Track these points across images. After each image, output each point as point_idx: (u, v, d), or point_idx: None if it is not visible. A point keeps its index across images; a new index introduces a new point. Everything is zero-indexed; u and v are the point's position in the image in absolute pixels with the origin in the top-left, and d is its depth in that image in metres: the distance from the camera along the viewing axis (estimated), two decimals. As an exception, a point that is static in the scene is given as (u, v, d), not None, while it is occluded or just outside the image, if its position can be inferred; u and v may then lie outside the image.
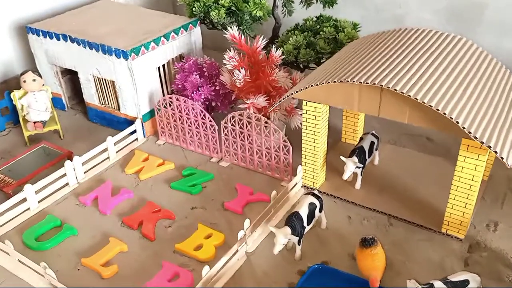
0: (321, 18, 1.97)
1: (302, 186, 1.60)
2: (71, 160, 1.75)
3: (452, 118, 1.18)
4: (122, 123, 1.94)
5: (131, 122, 1.90)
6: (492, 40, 1.98)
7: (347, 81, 1.28)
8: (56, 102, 2.10)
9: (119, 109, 1.92)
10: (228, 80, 1.73)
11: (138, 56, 1.76)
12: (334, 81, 1.30)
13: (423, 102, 1.20)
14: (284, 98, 1.44)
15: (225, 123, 1.68)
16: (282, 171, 1.63)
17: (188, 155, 1.82)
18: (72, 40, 1.86)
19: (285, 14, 2.03)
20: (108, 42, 1.79)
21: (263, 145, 1.63)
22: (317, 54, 1.78)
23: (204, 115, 1.72)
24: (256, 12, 1.84)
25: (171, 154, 1.82)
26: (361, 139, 1.60)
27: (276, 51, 1.64)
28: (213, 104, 1.86)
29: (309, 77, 1.50)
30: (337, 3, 1.88)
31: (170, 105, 1.79)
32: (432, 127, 1.24)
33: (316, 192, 1.40)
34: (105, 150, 1.76)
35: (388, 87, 1.23)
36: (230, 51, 1.72)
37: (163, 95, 1.95)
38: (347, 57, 1.48)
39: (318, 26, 1.91)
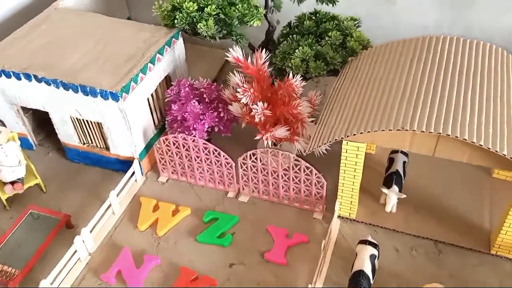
0: (318, 16, 1.78)
1: (338, 217, 1.51)
2: (71, 226, 1.53)
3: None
4: (113, 163, 1.69)
5: (124, 162, 1.66)
6: (489, 18, 1.91)
7: (406, 129, 1.16)
8: (21, 142, 1.77)
9: (108, 149, 1.66)
10: (239, 109, 1.54)
11: (129, 94, 1.50)
12: (390, 129, 1.17)
13: (488, 148, 1.12)
14: (330, 142, 1.29)
15: (244, 159, 1.51)
16: (312, 202, 1.53)
17: (199, 192, 1.65)
18: (39, 80, 1.54)
19: (273, 10, 1.81)
20: (89, 80, 1.49)
21: (291, 180, 1.50)
22: (328, 64, 1.62)
23: (219, 153, 1.53)
24: (253, 22, 1.61)
25: (180, 194, 1.64)
26: (391, 160, 1.52)
27: (294, 77, 1.46)
28: (216, 129, 1.67)
29: (338, 109, 1.36)
30: (338, 1, 1.69)
31: (174, 144, 1.58)
32: (496, 167, 1.19)
33: (370, 239, 1.33)
34: (109, 206, 1.54)
35: (448, 135, 1.14)
36: (236, 76, 1.51)
37: (154, 124, 1.72)
38: (378, 82, 1.35)
39: (316, 27, 1.73)
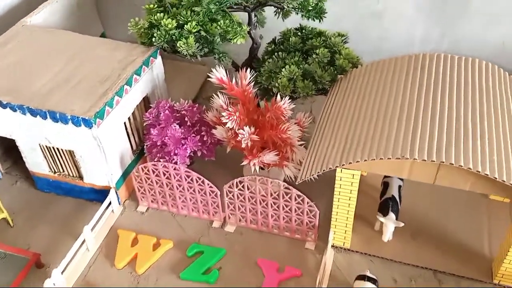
0: (304, 31, 1.69)
1: (331, 246, 1.42)
2: (41, 265, 1.39)
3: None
4: (87, 192, 1.57)
5: (99, 191, 1.54)
6: (476, 32, 1.87)
7: (406, 158, 1.08)
8: (-14, 172, 1.64)
9: (81, 178, 1.54)
10: (224, 134, 1.44)
11: (103, 120, 1.38)
12: (390, 158, 1.09)
13: (494, 177, 1.05)
14: (325, 170, 1.19)
15: (230, 187, 1.41)
16: (304, 232, 1.43)
17: (182, 222, 1.53)
18: (4, 106, 1.40)
19: (256, 26, 1.72)
20: (59, 105, 1.37)
21: (281, 209, 1.40)
22: (316, 83, 1.53)
23: (203, 182, 1.43)
24: (237, 40, 1.52)
25: (161, 224, 1.52)
26: (385, 184, 1.44)
27: (282, 99, 1.36)
28: (199, 153, 1.56)
29: (330, 134, 1.28)
30: (325, 17, 1.61)
31: (154, 172, 1.46)
32: (501, 195, 1.12)
33: (369, 274, 1.24)
34: (83, 242, 1.41)
35: (452, 164, 1.06)
36: (220, 98, 1.41)
37: (132, 149, 1.60)
38: (372, 104, 1.27)
39: (302, 44, 1.64)
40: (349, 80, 1.46)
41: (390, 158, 1.09)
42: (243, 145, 1.36)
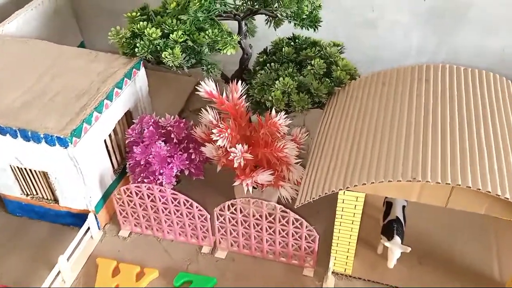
0: (298, 41, 1.59)
1: (332, 273, 1.31)
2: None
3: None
4: (63, 216, 1.43)
5: (77, 215, 1.41)
6: (474, 41, 1.80)
7: (418, 180, 0.98)
8: (-49, 194, 1.49)
9: (56, 202, 1.40)
10: (213, 152, 1.32)
11: (81, 138, 1.26)
12: (399, 180, 0.99)
13: (516, 199, 0.96)
14: (327, 193, 1.09)
15: (221, 210, 1.29)
16: (302, 257, 1.32)
17: (169, 248, 1.41)
18: (-31, 123, 1.27)
19: (246, 35, 1.61)
20: (31, 122, 1.24)
21: (278, 234, 1.29)
22: (312, 96, 1.43)
23: (191, 204, 1.31)
24: (227, 50, 1.41)
25: (145, 250, 1.39)
26: (388, 204, 1.34)
27: (277, 115, 1.25)
28: (186, 172, 1.44)
29: (330, 153, 1.17)
30: (320, 26, 1.51)
31: (137, 194, 1.34)
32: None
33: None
34: (58, 273, 1.27)
35: (469, 186, 0.96)
36: (209, 113, 1.30)
37: (113, 168, 1.47)
38: (375, 121, 1.17)
39: (295, 54, 1.54)
40: (348, 92, 1.37)
41: (400, 181, 0.98)
42: (235, 165, 1.25)
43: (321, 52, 1.51)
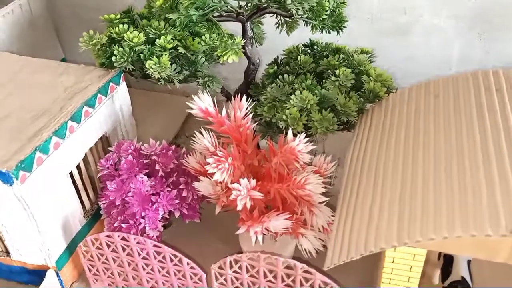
0: (317, 48, 1.29)
1: None
2: None
3: None
4: (17, 273, 1.11)
5: (34, 272, 1.08)
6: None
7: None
8: None
9: (8, 255, 1.08)
10: (210, 188, 1.00)
11: (32, 172, 0.94)
12: (488, 235, 0.65)
13: None
14: (372, 251, 0.75)
15: (221, 268, 0.96)
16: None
17: (153, 315, 1.07)
18: None
19: (253, 42, 1.31)
20: (-36, 153, 0.93)
21: (297, 300, 0.95)
22: (338, 115, 1.11)
23: (180, 260, 0.97)
24: (228, 56, 1.10)
25: (122, 319, 1.06)
26: (447, 258, 0.99)
27: (296, 138, 0.93)
28: (176, 214, 1.12)
29: (372, 192, 0.84)
30: (345, 27, 1.21)
31: (109, 246, 1.01)
32: None
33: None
34: None
35: None
36: (205, 137, 0.98)
37: (84, 209, 1.15)
38: (435, 147, 0.85)
39: (314, 63, 1.24)
40: (387, 109, 1.05)
41: (489, 235, 0.65)
42: (239, 206, 0.92)
43: (347, 60, 1.21)
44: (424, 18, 1.51)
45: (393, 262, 0.80)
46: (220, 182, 0.96)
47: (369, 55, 1.26)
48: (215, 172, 0.92)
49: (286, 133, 0.98)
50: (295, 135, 0.96)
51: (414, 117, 0.95)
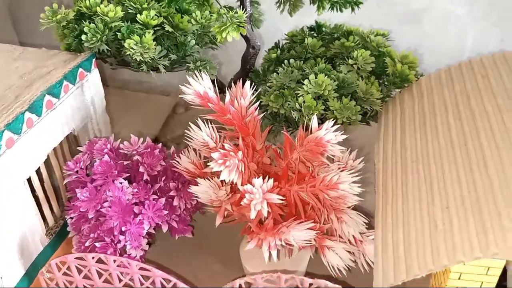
0: (325, 30, 1.11)
1: None
2: None
3: None
4: (-41, 311, 0.86)
5: (-18, 307, 0.83)
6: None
7: None
8: None
9: None
10: (211, 193, 0.78)
11: (-25, 176, 0.71)
12: None
13: None
14: (433, 271, 0.56)
15: (227, 295, 0.74)
16: None
17: None
18: None
19: (250, 22, 1.12)
20: None
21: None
22: (360, 103, 0.93)
23: (175, 286, 0.75)
24: (227, 33, 0.90)
25: None
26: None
27: (324, 126, 0.73)
28: (164, 228, 0.90)
29: (418, 194, 0.66)
30: (362, 2, 1.04)
31: (80, 271, 0.78)
32: None
33: None
34: None
35: None
36: (202, 129, 0.78)
37: (46, 226, 0.91)
38: (497, 129, 0.67)
39: (323, 47, 1.06)
40: (421, 94, 0.87)
41: None
42: (253, 214, 0.71)
43: (365, 42, 1.03)
44: (436, 4, 1.36)
45: (459, 279, 0.61)
46: (225, 184, 0.76)
47: (386, 37, 1.09)
48: (221, 171, 0.71)
49: (297, 126, 0.79)
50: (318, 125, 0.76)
51: (462, 100, 0.78)
